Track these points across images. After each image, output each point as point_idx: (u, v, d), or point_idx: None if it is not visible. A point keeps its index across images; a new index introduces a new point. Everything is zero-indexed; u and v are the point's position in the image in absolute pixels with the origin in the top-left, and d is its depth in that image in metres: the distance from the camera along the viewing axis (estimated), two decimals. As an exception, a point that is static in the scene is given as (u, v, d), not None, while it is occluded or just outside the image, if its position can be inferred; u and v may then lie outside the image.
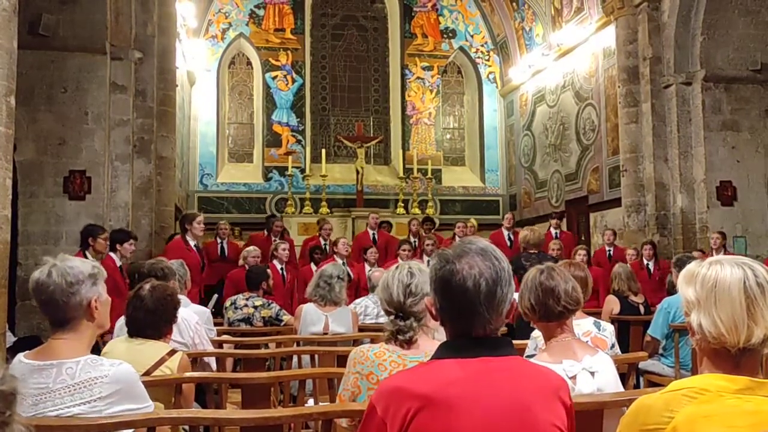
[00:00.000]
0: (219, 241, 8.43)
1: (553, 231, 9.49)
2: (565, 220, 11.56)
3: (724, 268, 1.36)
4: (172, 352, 2.72)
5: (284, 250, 7.37)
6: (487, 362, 1.42)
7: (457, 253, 1.47)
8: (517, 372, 1.45)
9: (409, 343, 2.22)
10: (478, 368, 1.41)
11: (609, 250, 8.78)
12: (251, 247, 7.17)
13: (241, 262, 6.97)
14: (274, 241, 7.95)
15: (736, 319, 1.32)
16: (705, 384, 1.33)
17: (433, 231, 9.96)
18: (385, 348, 2.25)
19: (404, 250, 7.73)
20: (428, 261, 7.83)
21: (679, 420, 1.29)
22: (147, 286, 2.83)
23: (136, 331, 2.78)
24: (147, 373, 2.57)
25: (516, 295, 1.68)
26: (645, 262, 8.11)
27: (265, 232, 9.18)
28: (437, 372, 1.41)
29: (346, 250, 8.00)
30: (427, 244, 8.39)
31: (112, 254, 5.97)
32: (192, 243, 6.57)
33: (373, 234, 9.40)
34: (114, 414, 1.96)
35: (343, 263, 7.43)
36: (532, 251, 5.60)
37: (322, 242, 8.88)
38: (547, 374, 1.51)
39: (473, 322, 1.44)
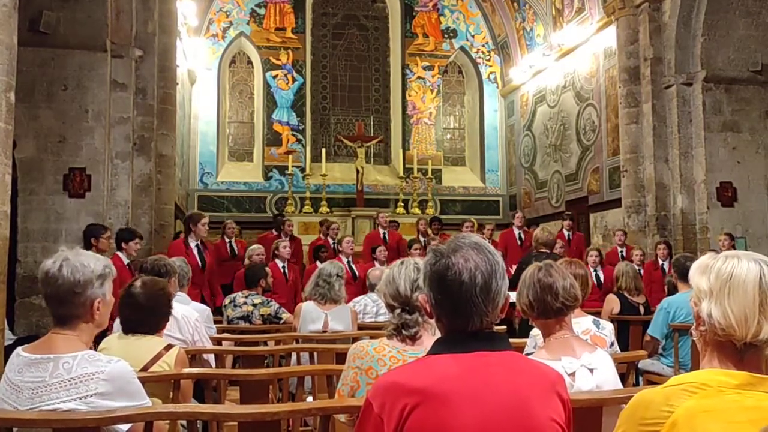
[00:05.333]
0: (227, 240, 8.44)
1: (565, 232, 9.43)
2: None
3: (741, 262, 1.36)
4: (169, 347, 2.71)
5: (285, 248, 7.38)
6: (483, 357, 1.42)
7: (451, 247, 1.48)
8: (514, 366, 1.44)
9: (413, 339, 2.23)
10: (474, 363, 1.41)
11: (621, 251, 8.76)
12: (255, 246, 7.19)
13: (246, 261, 6.98)
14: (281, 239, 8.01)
15: (747, 313, 1.32)
16: (705, 379, 1.33)
17: (441, 232, 9.99)
18: (385, 343, 2.25)
19: (416, 249, 7.76)
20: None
21: (678, 414, 1.28)
22: (138, 283, 2.82)
23: (131, 327, 2.77)
24: (144, 369, 2.56)
25: (512, 294, 1.68)
26: (660, 262, 8.11)
27: (274, 231, 9.23)
28: (433, 367, 1.41)
29: (351, 249, 8.01)
30: (433, 245, 8.38)
31: (119, 253, 6.00)
32: (193, 243, 6.59)
33: (384, 233, 9.43)
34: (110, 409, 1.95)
35: (348, 262, 7.44)
36: (542, 251, 5.55)
37: (331, 242, 8.90)
38: (544, 369, 1.51)
39: (470, 316, 1.43)
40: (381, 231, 9.53)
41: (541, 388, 1.43)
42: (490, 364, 1.41)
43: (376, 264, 7.57)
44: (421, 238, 9.18)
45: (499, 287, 1.46)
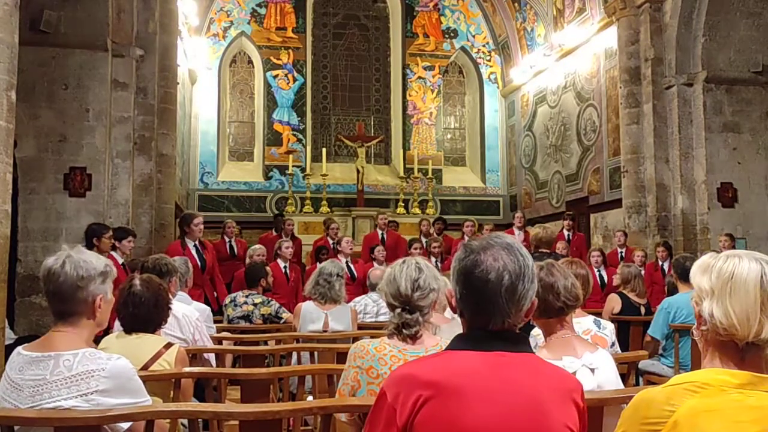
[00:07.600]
0: (227, 240, 8.43)
1: (566, 233, 9.38)
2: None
3: (742, 261, 1.36)
4: (169, 345, 2.71)
5: (288, 248, 7.38)
6: (502, 356, 1.41)
7: (482, 245, 1.47)
8: (533, 369, 1.43)
9: (413, 338, 2.23)
10: (492, 361, 1.40)
11: (621, 252, 8.74)
12: (257, 246, 7.19)
13: (247, 260, 6.98)
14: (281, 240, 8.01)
15: (749, 312, 1.32)
16: (707, 378, 1.33)
17: (443, 232, 10.01)
18: (385, 342, 2.25)
19: (416, 249, 7.74)
20: (435, 262, 7.85)
21: (680, 414, 1.28)
22: (137, 282, 2.82)
23: (131, 326, 2.77)
24: (145, 368, 2.56)
25: None
26: (660, 263, 8.11)
27: (274, 231, 9.22)
28: (451, 362, 1.41)
29: (350, 249, 8.00)
30: (434, 246, 8.39)
31: (113, 253, 5.97)
32: (191, 244, 6.50)
33: (382, 234, 9.45)
34: (111, 407, 1.95)
35: (347, 262, 7.44)
36: (543, 250, 5.47)
37: (331, 242, 8.90)
38: (563, 375, 1.50)
39: (492, 315, 1.42)
40: (379, 232, 9.55)
41: (559, 393, 1.42)
42: (508, 364, 1.40)
43: (375, 264, 7.57)
44: (423, 239, 9.19)
45: (526, 290, 1.44)
